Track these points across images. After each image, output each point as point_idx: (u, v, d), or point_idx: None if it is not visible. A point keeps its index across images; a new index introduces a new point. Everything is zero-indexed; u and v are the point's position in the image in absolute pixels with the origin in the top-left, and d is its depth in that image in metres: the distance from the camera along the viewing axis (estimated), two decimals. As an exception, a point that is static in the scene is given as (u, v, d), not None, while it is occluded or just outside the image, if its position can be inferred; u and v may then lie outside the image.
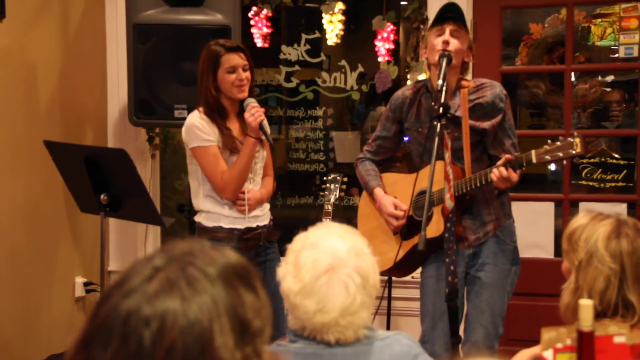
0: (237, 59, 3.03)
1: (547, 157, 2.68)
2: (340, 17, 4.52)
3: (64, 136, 4.05)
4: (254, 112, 3.01)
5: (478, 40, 3.97)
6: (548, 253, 4.01)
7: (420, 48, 4.05)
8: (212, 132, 3.04)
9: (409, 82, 3.96)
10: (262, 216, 3.17)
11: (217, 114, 3.07)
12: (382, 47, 4.26)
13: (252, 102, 3.05)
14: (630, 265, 1.75)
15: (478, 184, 2.82)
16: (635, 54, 4.07)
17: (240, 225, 3.09)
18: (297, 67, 4.65)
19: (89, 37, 4.32)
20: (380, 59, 4.29)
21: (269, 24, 4.46)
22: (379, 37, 4.27)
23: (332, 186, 3.47)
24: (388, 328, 3.81)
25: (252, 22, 4.45)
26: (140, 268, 0.96)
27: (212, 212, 3.10)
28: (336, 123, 4.83)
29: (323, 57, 4.67)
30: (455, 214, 2.79)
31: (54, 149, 3.50)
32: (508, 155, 2.76)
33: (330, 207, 3.42)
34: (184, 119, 3.16)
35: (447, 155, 2.76)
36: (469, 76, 3.22)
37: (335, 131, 4.76)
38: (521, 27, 4.77)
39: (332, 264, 1.65)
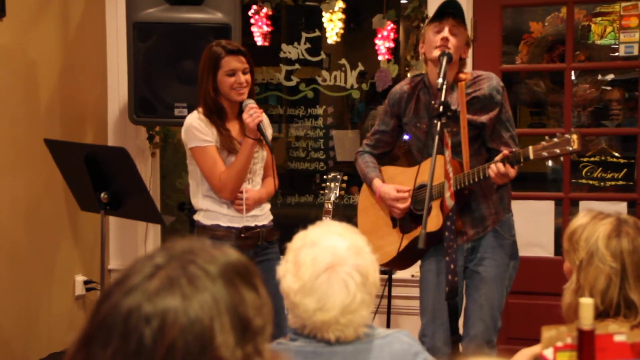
0: (236, 62, 3.02)
1: (544, 154, 2.68)
2: (341, 15, 4.51)
3: (64, 134, 4.05)
4: (252, 113, 3.00)
5: (478, 38, 3.97)
6: (548, 252, 4.01)
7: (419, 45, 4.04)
8: (210, 132, 3.04)
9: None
10: (261, 216, 3.17)
11: (215, 115, 3.06)
12: (382, 45, 4.26)
13: (250, 103, 3.04)
14: (631, 264, 1.74)
15: (476, 179, 2.82)
16: (636, 52, 4.06)
17: (238, 224, 3.08)
18: (297, 66, 4.65)
19: (89, 35, 4.32)
20: (380, 58, 4.30)
21: (269, 22, 4.46)
22: (379, 35, 4.27)
23: (332, 185, 3.47)
24: (388, 326, 3.82)
25: (252, 21, 4.45)
26: (141, 266, 0.95)
27: (210, 211, 3.09)
28: (336, 122, 4.83)
29: (323, 55, 4.67)
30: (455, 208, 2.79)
31: (54, 147, 3.50)
32: (506, 151, 2.75)
33: (330, 206, 3.42)
34: (184, 117, 3.16)
35: (447, 153, 2.76)
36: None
37: (335, 130, 4.76)
38: (521, 26, 4.76)
39: (332, 262, 1.65)
